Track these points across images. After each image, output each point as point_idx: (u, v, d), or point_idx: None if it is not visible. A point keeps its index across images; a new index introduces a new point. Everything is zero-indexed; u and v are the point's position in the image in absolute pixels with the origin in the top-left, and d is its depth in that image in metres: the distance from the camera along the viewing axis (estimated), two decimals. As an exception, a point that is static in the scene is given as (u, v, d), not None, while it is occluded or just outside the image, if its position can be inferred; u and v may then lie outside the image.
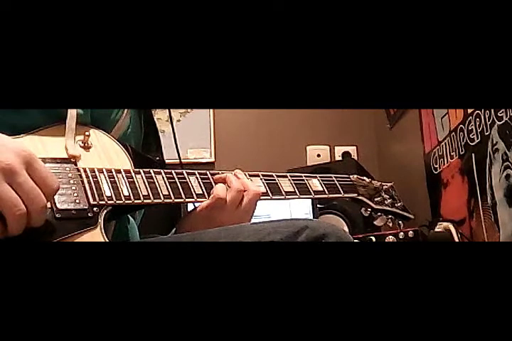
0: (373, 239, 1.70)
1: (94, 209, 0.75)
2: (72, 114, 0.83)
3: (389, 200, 1.07)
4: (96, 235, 0.73)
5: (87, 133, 0.83)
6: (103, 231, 0.74)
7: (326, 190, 0.98)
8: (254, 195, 0.89)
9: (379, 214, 1.07)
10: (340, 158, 2.62)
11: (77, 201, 0.74)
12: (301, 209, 1.98)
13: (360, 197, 1.03)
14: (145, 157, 0.91)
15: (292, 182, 0.95)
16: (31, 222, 0.67)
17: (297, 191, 0.95)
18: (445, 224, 1.68)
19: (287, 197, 0.93)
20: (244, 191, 0.89)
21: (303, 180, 0.97)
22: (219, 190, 0.87)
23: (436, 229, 1.69)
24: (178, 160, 1.05)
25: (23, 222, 0.65)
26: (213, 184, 0.88)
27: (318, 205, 2.01)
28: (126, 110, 0.93)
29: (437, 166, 1.99)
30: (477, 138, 1.65)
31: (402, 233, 1.64)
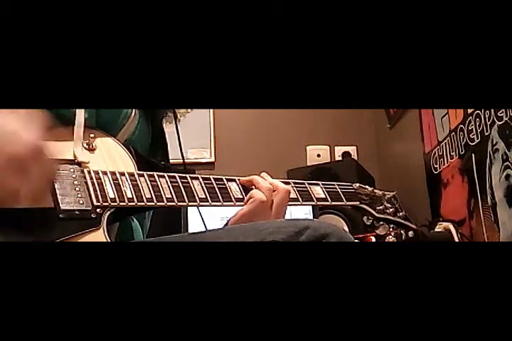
0: (373, 239, 1.70)
1: (98, 210, 0.75)
2: (79, 121, 0.83)
3: (391, 209, 1.07)
4: (99, 236, 0.74)
5: (91, 135, 0.84)
6: (106, 232, 0.74)
7: (328, 198, 0.98)
8: (285, 192, 0.91)
9: (381, 223, 1.07)
10: (340, 158, 2.62)
11: (81, 202, 0.75)
12: (301, 209, 1.98)
13: (362, 206, 1.03)
14: (149, 160, 0.91)
15: (295, 188, 0.96)
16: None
17: (300, 198, 0.95)
18: (445, 224, 1.68)
19: (290, 203, 0.93)
20: (274, 191, 0.90)
21: (305, 186, 0.98)
22: (258, 194, 0.88)
23: (436, 229, 1.69)
24: (180, 161, 1.05)
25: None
26: (216, 189, 0.88)
27: (318, 205, 2.01)
28: (133, 115, 0.94)
29: (437, 166, 1.99)
30: (477, 138, 1.65)
31: (402, 233, 1.64)
